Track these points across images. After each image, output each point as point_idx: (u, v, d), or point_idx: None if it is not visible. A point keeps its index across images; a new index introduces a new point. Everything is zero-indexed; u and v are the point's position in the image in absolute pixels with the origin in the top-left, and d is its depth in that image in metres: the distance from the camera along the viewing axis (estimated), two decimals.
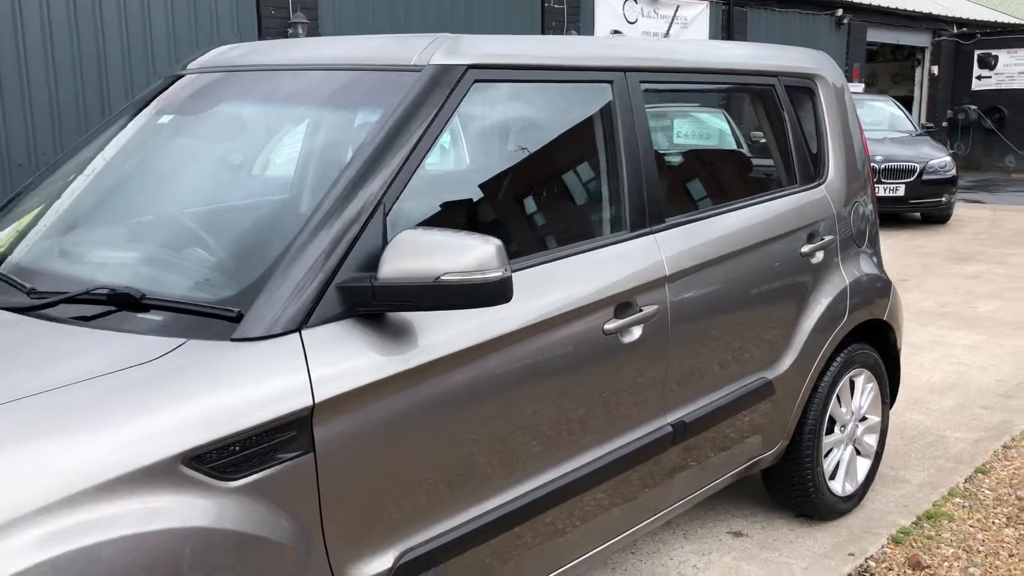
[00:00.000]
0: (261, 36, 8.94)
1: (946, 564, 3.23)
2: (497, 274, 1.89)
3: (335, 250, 1.93)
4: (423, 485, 2.04)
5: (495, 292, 1.90)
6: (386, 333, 1.98)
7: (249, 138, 2.43)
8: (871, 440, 3.66)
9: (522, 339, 2.22)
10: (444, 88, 2.20)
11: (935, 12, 19.51)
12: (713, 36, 14.88)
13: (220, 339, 1.79)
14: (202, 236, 2.09)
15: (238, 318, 1.83)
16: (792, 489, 3.36)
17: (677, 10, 13.40)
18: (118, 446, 1.58)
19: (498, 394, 2.17)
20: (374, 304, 1.92)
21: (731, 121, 9.99)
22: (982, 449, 4.23)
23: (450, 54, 2.26)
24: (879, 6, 17.57)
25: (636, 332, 2.52)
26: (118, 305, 1.93)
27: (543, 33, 12.27)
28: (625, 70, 2.66)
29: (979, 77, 20.22)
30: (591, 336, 2.39)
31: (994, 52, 19.93)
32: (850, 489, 3.55)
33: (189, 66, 2.83)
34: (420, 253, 1.89)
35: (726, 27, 15.11)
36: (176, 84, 2.74)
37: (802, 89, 3.38)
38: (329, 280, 1.91)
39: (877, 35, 18.32)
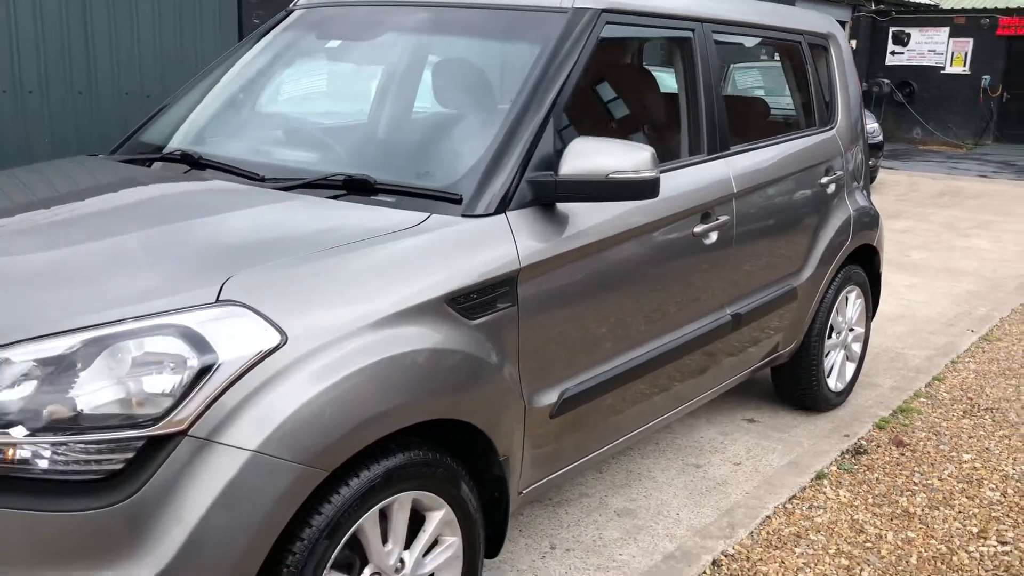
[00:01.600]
0: None
1: (921, 443, 3.96)
2: (652, 174, 2.44)
3: (524, 152, 2.44)
4: (576, 342, 2.59)
5: (649, 188, 2.45)
6: (556, 220, 2.51)
7: (421, 59, 2.90)
8: (857, 347, 4.37)
9: (642, 233, 2.79)
10: (587, 27, 2.72)
11: None
12: None
13: (453, 215, 2.30)
14: (415, 137, 2.57)
15: (459, 200, 2.34)
16: (799, 382, 4.04)
17: None
18: (411, 285, 2.09)
19: (626, 274, 2.74)
20: (554, 195, 2.45)
21: None
22: (935, 363, 5.01)
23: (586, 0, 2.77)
24: None
25: (713, 236, 3.11)
26: (350, 189, 2.41)
27: None
28: (703, 20, 3.22)
29: (892, 52, 21.48)
30: (685, 236, 2.98)
31: (907, 30, 21.20)
32: (840, 387, 4.26)
33: (300, 2, 3.27)
34: (593, 155, 2.42)
35: None
36: (303, 16, 3.18)
37: (819, 47, 4.00)
38: (522, 175, 2.42)
39: (802, 7, 19.29)
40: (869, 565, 3.00)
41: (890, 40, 21.37)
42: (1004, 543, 3.17)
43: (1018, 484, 3.61)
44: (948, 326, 5.76)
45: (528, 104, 2.52)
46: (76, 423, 1.70)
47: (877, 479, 3.61)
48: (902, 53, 21.35)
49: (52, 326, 1.76)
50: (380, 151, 2.60)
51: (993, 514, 3.37)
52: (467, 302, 2.21)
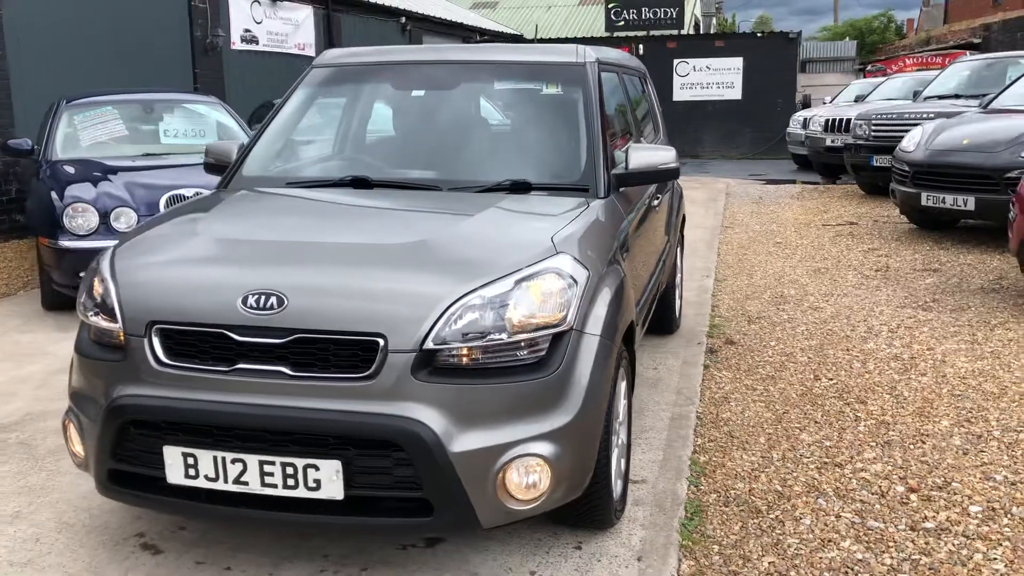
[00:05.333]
0: None
1: (741, 340, 5.89)
2: (677, 164, 3.94)
3: (604, 155, 3.81)
4: (634, 278, 4.01)
5: (677, 174, 3.94)
6: (623, 197, 3.91)
7: (506, 103, 4.10)
8: (681, 287, 6.21)
9: (647, 205, 4.28)
10: (595, 72, 4.14)
11: (467, 22, 23.46)
12: (318, 36, 16.71)
13: (591, 199, 3.60)
14: (534, 156, 3.82)
15: (587, 190, 3.65)
16: (665, 311, 5.75)
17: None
18: (608, 239, 3.39)
19: (643, 232, 4.22)
20: (628, 182, 3.85)
21: None
22: (704, 298, 7.06)
23: (588, 56, 4.19)
24: (432, 16, 20.84)
25: (656, 208, 4.68)
26: (511, 190, 3.60)
27: (191, 29, 13.13)
28: (620, 66, 4.78)
29: None
30: (650, 208, 4.52)
31: None
32: (678, 316, 6.06)
33: (325, 61, 4.31)
34: (646, 154, 3.86)
35: (327, 29, 17.02)
36: (336, 73, 4.24)
37: (644, 79, 5.76)
38: (610, 171, 3.79)
39: (430, 40, 21.61)
40: (775, 401, 4.78)
41: None
42: (830, 379, 5.14)
43: (811, 351, 5.65)
44: (690, 275, 7.90)
45: (593, 122, 3.89)
46: (515, 329, 2.80)
47: (736, 363, 5.43)
48: None
49: (487, 278, 2.83)
50: (513, 163, 3.80)
51: (812, 367, 5.34)
52: (619, 250, 3.56)
